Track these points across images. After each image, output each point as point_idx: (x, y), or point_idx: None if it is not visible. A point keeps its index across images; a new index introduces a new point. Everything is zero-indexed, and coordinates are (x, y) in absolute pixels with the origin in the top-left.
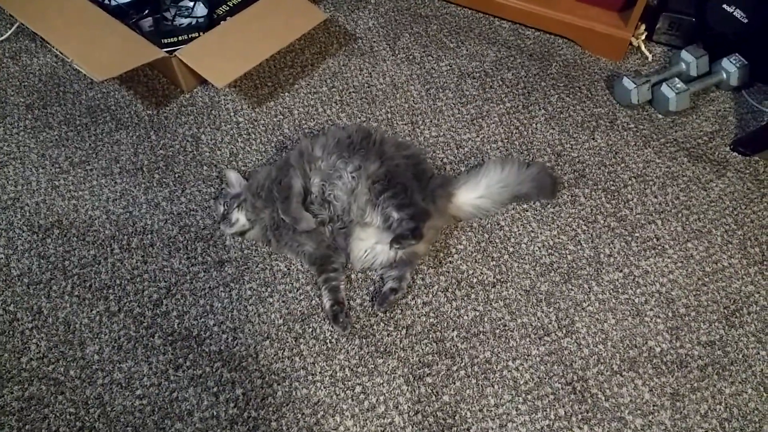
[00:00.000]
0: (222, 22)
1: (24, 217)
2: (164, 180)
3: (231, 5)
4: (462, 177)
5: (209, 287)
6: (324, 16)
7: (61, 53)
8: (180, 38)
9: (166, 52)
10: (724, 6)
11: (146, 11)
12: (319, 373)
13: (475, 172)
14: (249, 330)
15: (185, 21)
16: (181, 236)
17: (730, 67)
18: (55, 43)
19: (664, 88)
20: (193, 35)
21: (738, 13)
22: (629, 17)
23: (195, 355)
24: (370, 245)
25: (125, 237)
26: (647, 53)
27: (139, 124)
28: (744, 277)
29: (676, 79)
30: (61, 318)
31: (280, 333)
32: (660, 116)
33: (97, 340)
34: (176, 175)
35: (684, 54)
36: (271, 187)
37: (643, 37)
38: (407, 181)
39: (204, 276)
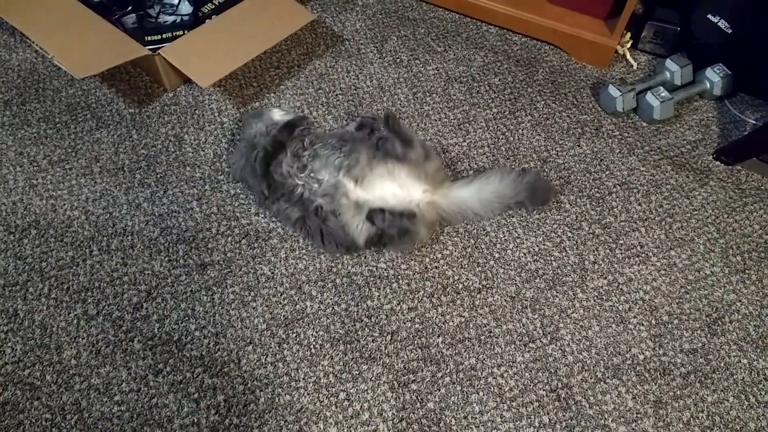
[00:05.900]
0: (207, 21)
1: (0, 216)
2: (146, 180)
3: (216, 3)
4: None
5: (191, 291)
6: (311, 16)
7: (41, 49)
8: (164, 36)
9: (150, 49)
10: (709, 16)
11: (129, 8)
12: (303, 379)
13: (473, 176)
14: (231, 335)
15: (169, 19)
16: (163, 238)
17: (714, 76)
18: (35, 38)
19: (649, 97)
20: (178, 33)
21: (722, 24)
22: (615, 25)
23: (175, 361)
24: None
25: (105, 238)
26: (632, 61)
27: (120, 122)
28: (726, 285)
29: (661, 87)
30: (37, 321)
31: (263, 338)
32: (644, 124)
33: (74, 344)
34: (158, 176)
35: (668, 63)
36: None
37: (629, 45)
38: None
39: (185, 279)
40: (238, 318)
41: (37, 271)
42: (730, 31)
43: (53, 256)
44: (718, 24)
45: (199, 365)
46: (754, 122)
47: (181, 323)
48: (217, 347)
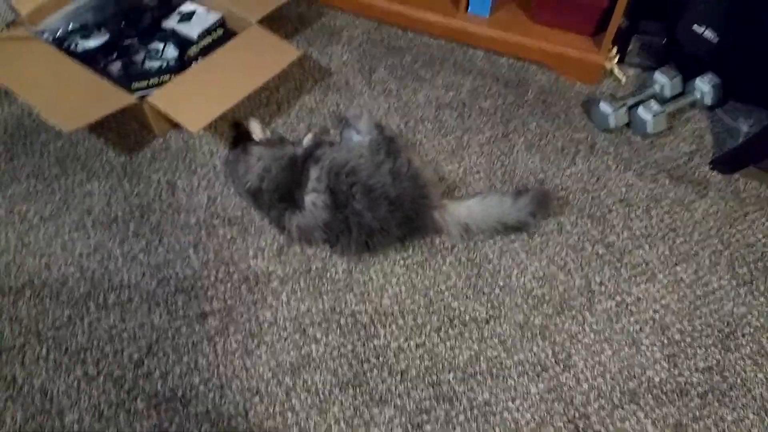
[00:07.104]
0: (193, 64)
1: None
2: (140, 230)
3: (202, 46)
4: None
5: (192, 342)
6: (298, 53)
7: (27, 103)
8: (151, 82)
9: (137, 96)
10: (695, 27)
11: (115, 55)
12: (314, 428)
13: (471, 195)
14: (237, 386)
15: (155, 64)
16: (161, 289)
17: (704, 86)
18: (20, 92)
19: (641, 111)
20: (164, 78)
21: (708, 34)
22: (602, 41)
23: (181, 418)
24: None
25: (101, 294)
26: (621, 76)
27: (111, 172)
28: (735, 298)
29: (652, 101)
30: (36, 386)
31: (269, 387)
32: (638, 139)
33: (75, 407)
34: (152, 225)
35: (657, 75)
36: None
37: (616, 60)
38: None
39: (186, 331)
40: (242, 368)
41: (34, 333)
42: (716, 40)
43: (49, 316)
44: (704, 34)
45: (206, 421)
46: (747, 129)
47: (185, 377)
48: (223, 400)
